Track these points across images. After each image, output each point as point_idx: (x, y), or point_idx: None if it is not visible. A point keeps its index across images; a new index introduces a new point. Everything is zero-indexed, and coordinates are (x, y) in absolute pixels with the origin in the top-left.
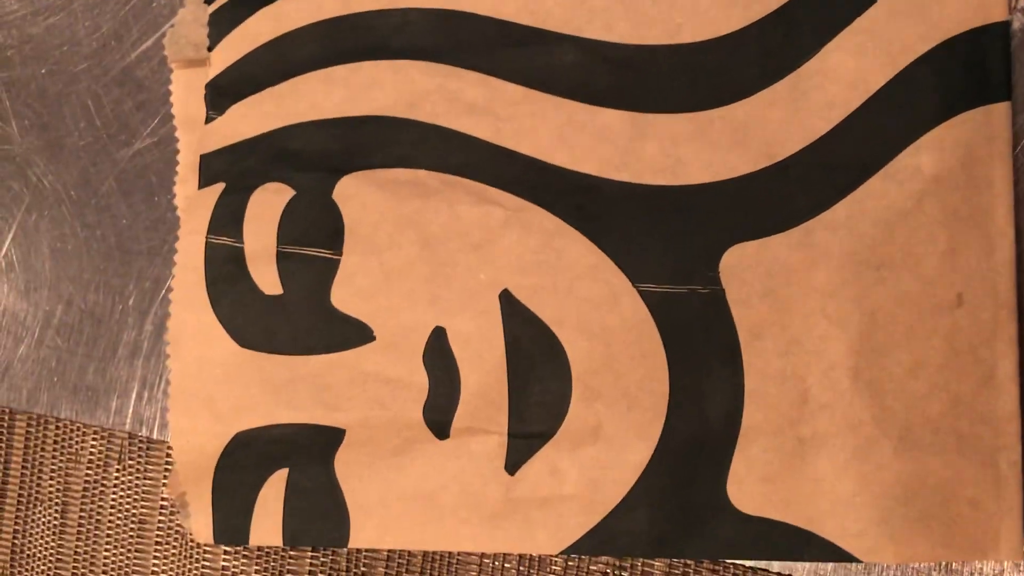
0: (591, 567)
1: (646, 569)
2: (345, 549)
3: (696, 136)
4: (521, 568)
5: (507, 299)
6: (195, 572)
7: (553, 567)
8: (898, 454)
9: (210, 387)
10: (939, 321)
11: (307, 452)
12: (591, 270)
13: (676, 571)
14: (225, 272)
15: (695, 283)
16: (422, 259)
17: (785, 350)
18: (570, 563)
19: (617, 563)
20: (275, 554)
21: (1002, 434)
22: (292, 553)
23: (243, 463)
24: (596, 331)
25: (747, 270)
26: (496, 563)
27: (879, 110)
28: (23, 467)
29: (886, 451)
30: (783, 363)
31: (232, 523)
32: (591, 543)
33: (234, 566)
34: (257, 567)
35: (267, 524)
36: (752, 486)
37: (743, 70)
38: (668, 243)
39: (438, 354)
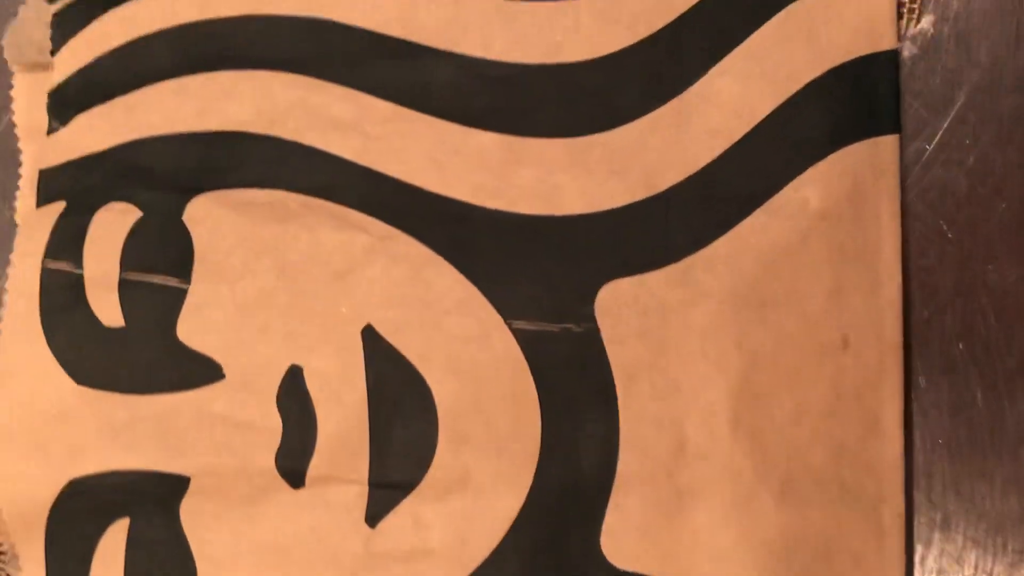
0: None
1: None
2: None
3: (573, 163)
4: None
5: (370, 335)
6: None
7: None
8: (779, 506)
9: (42, 428)
10: (824, 364)
11: (149, 501)
12: (461, 304)
13: None
14: (62, 300)
15: (569, 321)
16: (278, 289)
17: (662, 393)
18: None
19: None
20: None
21: (886, 484)
22: None
23: (79, 512)
24: (465, 371)
25: (623, 308)
26: None
27: (764, 140)
28: None
29: (767, 502)
30: (660, 407)
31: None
32: None
33: None
34: None
35: None
36: (627, 538)
37: (624, 93)
38: (542, 277)
39: (293, 395)
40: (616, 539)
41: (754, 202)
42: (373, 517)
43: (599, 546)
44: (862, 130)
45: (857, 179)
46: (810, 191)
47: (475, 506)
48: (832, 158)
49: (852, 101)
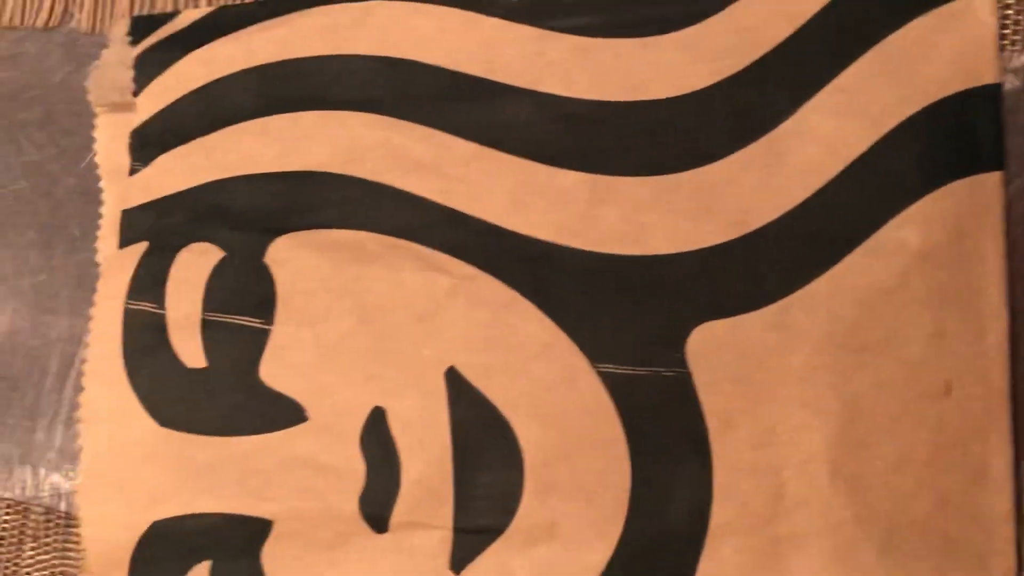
0: None
1: None
2: None
3: (660, 202)
4: None
5: (453, 378)
6: None
7: None
8: (882, 557)
9: (124, 471)
10: (926, 411)
11: (231, 545)
12: (546, 348)
13: None
14: (144, 341)
15: (658, 365)
16: (361, 332)
17: (758, 441)
18: None
19: None
20: None
21: (995, 537)
22: None
23: (161, 555)
24: (551, 416)
25: (716, 352)
26: None
27: (861, 177)
28: None
29: (869, 554)
30: (756, 455)
31: None
32: None
33: None
34: None
35: None
36: None
37: (712, 131)
38: (630, 320)
39: (377, 439)
40: None
41: (852, 242)
42: (458, 563)
43: None
44: (963, 167)
45: (959, 218)
46: (910, 230)
47: (563, 556)
48: (932, 196)
49: (952, 137)
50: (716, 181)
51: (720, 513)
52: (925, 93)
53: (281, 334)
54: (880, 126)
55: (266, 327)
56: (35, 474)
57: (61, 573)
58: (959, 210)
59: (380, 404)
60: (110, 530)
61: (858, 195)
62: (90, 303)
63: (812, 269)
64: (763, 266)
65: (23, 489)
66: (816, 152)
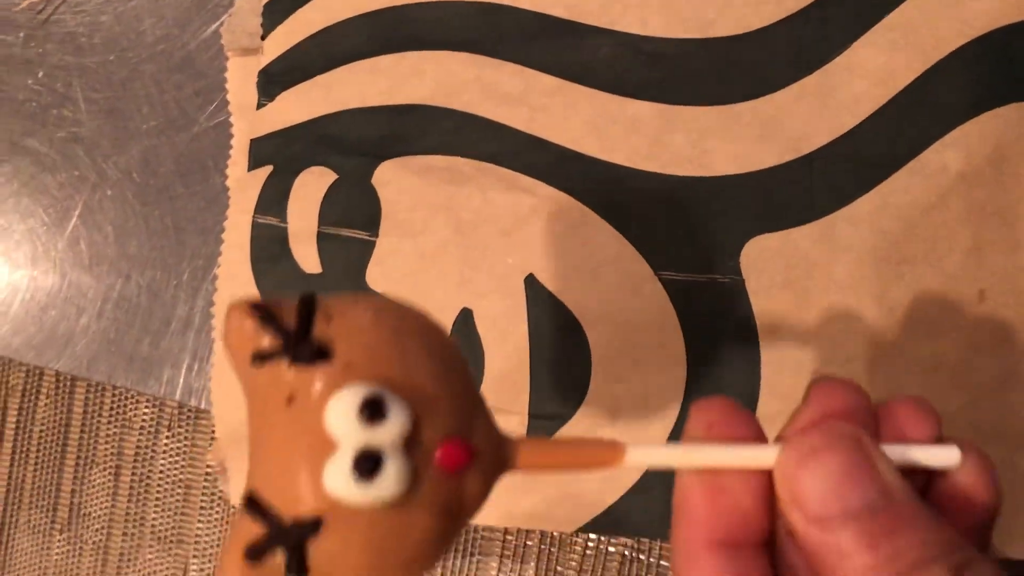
0: (610, 547)
1: (664, 551)
2: None
3: (724, 128)
4: (543, 547)
5: (532, 284)
6: None
7: (574, 547)
8: None
9: None
10: (960, 317)
11: None
12: (615, 257)
13: None
14: (269, 251)
15: (716, 272)
16: (453, 243)
17: (803, 342)
18: (590, 543)
19: (635, 544)
20: None
21: (1021, 434)
22: None
23: None
24: (617, 317)
25: (768, 261)
26: (519, 541)
27: (907, 105)
28: (81, 431)
29: None
30: (800, 354)
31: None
32: (605, 523)
33: None
34: None
35: None
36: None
37: (773, 64)
38: (691, 233)
39: (465, 334)
40: None
41: (896, 163)
42: None
43: None
44: (1006, 95)
45: (999, 142)
46: (951, 153)
47: (624, 437)
48: (974, 122)
49: (997, 68)
50: (774, 110)
51: (766, 404)
52: (973, 27)
53: (385, 244)
54: (928, 58)
55: (372, 239)
56: (171, 373)
57: (190, 457)
58: (1000, 135)
59: (468, 305)
60: (237, 409)
61: (904, 122)
62: (218, 224)
63: (858, 188)
64: (813, 185)
65: (160, 387)
66: (866, 84)
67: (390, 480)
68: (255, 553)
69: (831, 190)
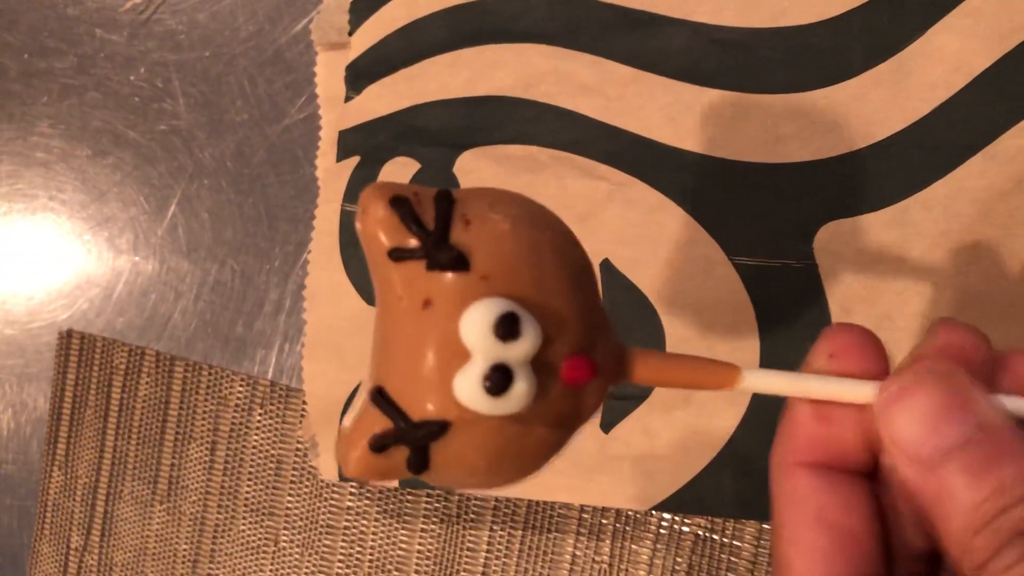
0: (684, 528)
1: (737, 531)
2: (456, 495)
3: (797, 116)
4: (618, 525)
5: (608, 268)
6: (323, 510)
7: (648, 526)
8: None
9: (340, 340)
10: None
11: None
12: (689, 243)
13: (766, 534)
14: (356, 237)
15: (789, 257)
16: None
17: (876, 325)
18: (663, 523)
19: (709, 524)
20: (394, 496)
21: None
22: (409, 496)
23: None
24: (691, 301)
25: (841, 246)
26: (594, 519)
27: (983, 91)
28: (180, 408)
29: None
30: None
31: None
32: (679, 501)
33: (357, 505)
34: (378, 507)
35: None
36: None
37: (846, 52)
38: (764, 219)
39: None
40: None
41: (971, 149)
42: (608, 424)
43: None
44: None
45: None
46: None
47: (697, 419)
48: None
49: None
50: (847, 97)
51: None
52: None
53: None
54: (1004, 44)
55: None
56: (263, 354)
57: (282, 433)
58: None
59: None
60: (328, 387)
61: (980, 107)
62: (308, 212)
63: (932, 173)
64: (887, 171)
65: (253, 366)
66: (942, 70)
67: (518, 395)
68: (381, 445)
69: (905, 175)
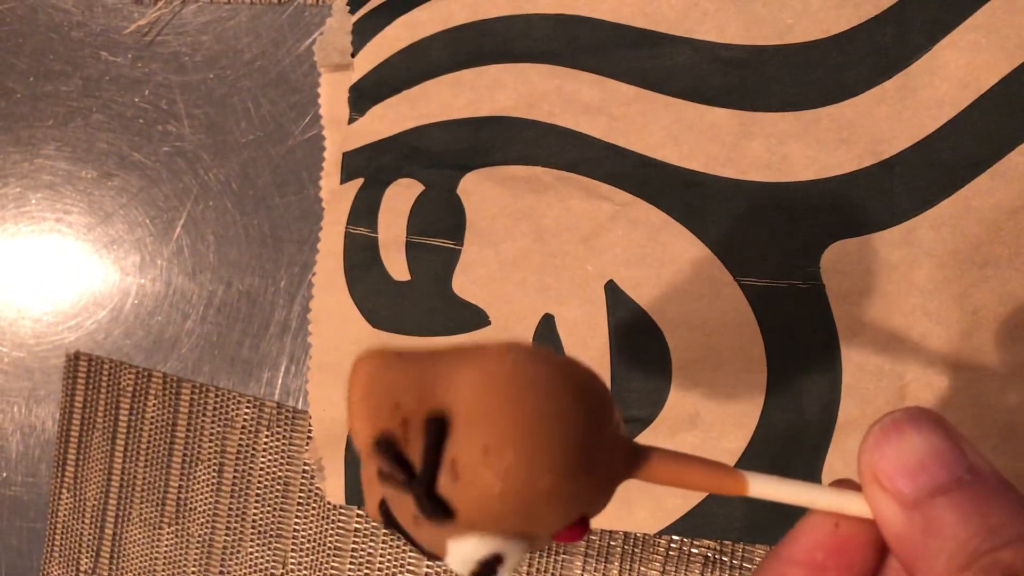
0: (693, 549)
1: (747, 553)
2: None
3: (802, 134)
4: (626, 547)
5: (612, 290)
6: (331, 532)
7: (657, 548)
8: (996, 454)
9: (345, 362)
10: None
11: None
12: (694, 263)
13: None
14: (361, 259)
15: (795, 278)
16: (535, 250)
17: (884, 347)
18: (672, 544)
19: (718, 546)
20: None
21: None
22: None
23: None
24: (697, 322)
25: (848, 266)
26: (603, 540)
27: (990, 108)
28: (187, 430)
29: (985, 451)
30: (881, 359)
31: (361, 487)
32: (688, 525)
33: (365, 527)
34: (385, 530)
35: None
36: (849, 477)
37: (852, 69)
38: (770, 238)
39: (547, 339)
40: (837, 477)
41: (980, 166)
42: None
43: (820, 483)
44: None
45: None
46: None
47: (704, 443)
48: None
49: None
50: (853, 114)
51: (847, 410)
52: None
53: (469, 253)
54: (1012, 59)
55: (457, 247)
56: (269, 375)
57: (288, 455)
58: None
59: (550, 311)
60: (333, 410)
61: (988, 124)
62: (312, 233)
63: (940, 192)
64: (894, 190)
65: (259, 388)
66: (948, 86)
67: None
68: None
69: (912, 194)
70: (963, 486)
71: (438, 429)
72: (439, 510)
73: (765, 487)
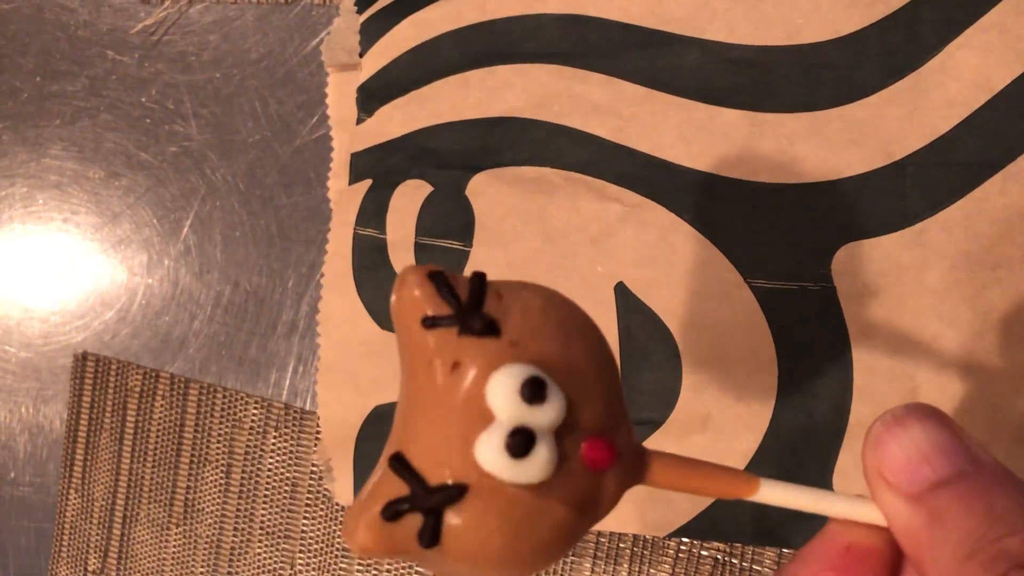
0: (702, 552)
1: (756, 555)
2: None
3: (813, 135)
4: (635, 549)
5: (622, 291)
6: (339, 533)
7: (667, 550)
8: (1008, 458)
9: (354, 363)
10: None
11: None
12: (704, 265)
13: (786, 559)
14: (369, 260)
15: (806, 280)
16: (544, 252)
17: (895, 348)
18: (682, 547)
19: (728, 549)
20: None
21: None
22: None
23: (381, 433)
24: (707, 324)
25: (859, 268)
26: (612, 543)
27: (1003, 108)
28: (195, 431)
29: (997, 454)
30: (892, 361)
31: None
32: (698, 528)
33: None
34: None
35: None
36: (858, 480)
37: (863, 69)
38: (781, 240)
39: None
40: (848, 480)
41: (991, 168)
42: None
43: (831, 486)
44: None
45: None
46: None
47: (715, 445)
48: None
49: None
50: (864, 115)
51: (858, 411)
52: None
53: (478, 253)
54: None
55: (466, 248)
56: (277, 376)
57: (296, 456)
58: None
59: None
60: (342, 411)
61: (1000, 124)
62: (320, 233)
63: (951, 193)
64: (906, 191)
65: (267, 388)
66: (960, 87)
67: (539, 462)
68: (393, 511)
69: (923, 195)
70: (966, 477)
71: (482, 275)
72: (486, 324)
73: (776, 493)
